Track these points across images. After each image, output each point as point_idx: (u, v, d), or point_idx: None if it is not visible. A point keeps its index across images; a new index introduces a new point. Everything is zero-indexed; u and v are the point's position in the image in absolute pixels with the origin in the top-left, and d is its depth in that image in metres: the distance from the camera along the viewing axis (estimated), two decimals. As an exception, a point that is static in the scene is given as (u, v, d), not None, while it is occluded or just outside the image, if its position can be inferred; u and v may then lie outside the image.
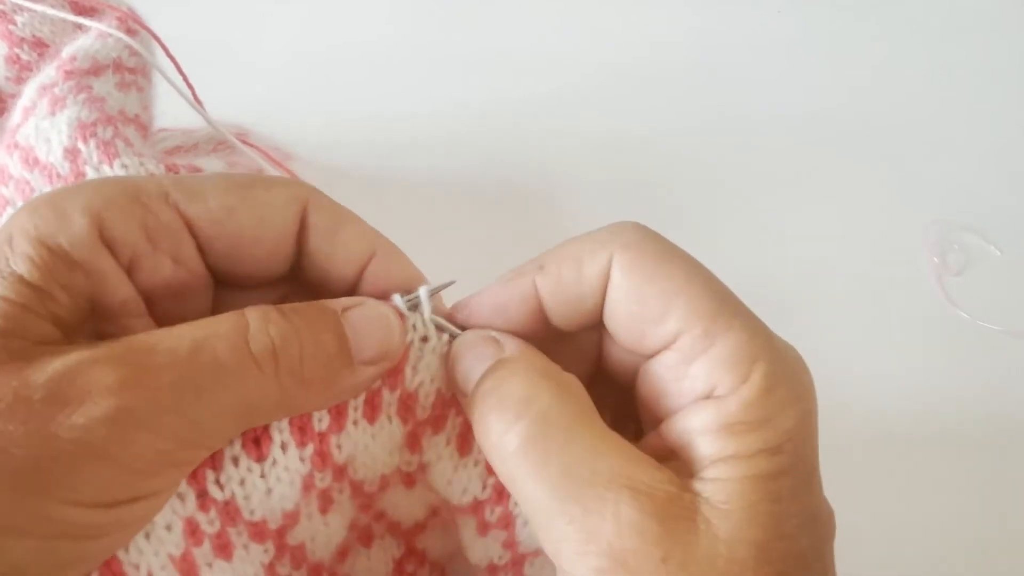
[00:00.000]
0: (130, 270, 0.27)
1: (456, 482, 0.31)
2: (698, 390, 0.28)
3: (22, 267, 0.25)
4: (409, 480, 0.32)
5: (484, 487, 0.31)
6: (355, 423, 0.29)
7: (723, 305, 0.28)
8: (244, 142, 0.41)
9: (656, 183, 0.68)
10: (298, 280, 0.31)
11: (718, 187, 0.69)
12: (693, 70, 0.77)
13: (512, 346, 0.30)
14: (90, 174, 0.34)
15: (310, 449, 0.29)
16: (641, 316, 0.29)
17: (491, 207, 0.67)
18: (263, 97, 0.68)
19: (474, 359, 0.30)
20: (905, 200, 0.69)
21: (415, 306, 0.30)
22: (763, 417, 0.27)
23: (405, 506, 0.34)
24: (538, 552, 0.32)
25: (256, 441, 0.28)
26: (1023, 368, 0.61)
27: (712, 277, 0.29)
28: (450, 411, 0.31)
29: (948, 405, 0.59)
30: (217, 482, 0.28)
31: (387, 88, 0.74)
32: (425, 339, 0.30)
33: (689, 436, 0.28)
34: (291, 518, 0.30)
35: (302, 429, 0.29)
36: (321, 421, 0.29)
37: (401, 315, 0.30)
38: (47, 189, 0.34)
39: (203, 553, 0.28)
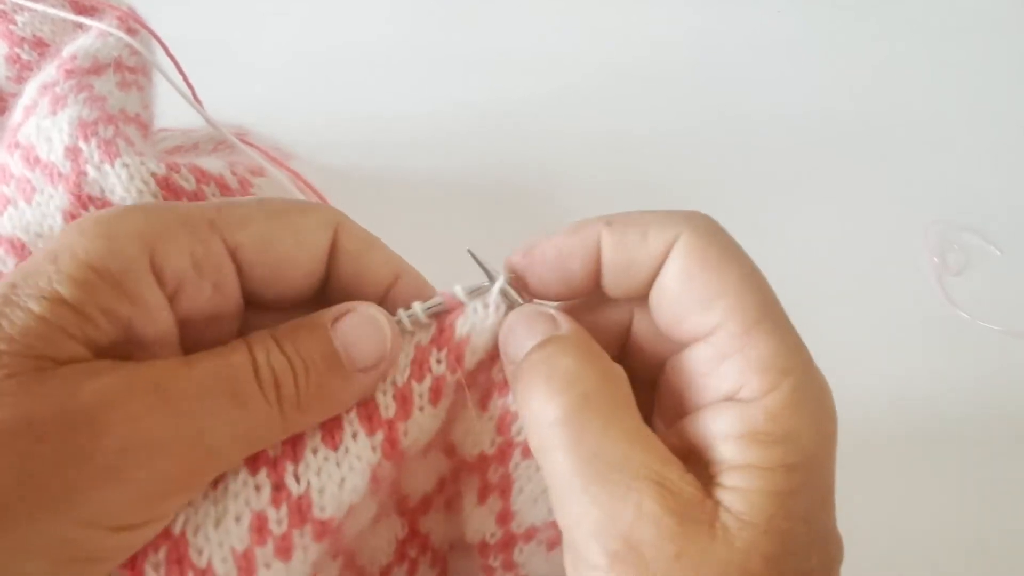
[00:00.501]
0: (172, 297, 0.28)
1: (471, 432, 0.32)
2: (724, 388, 0.28)
3: (65, 288, 0.25)
4: (428, 445, 0.33)
5: (492, 443, 0.32)
6: (421, 409, 0.30)
7: (768, 312, 0.29)
8: (244, 142, 0.41)
9: (656, 183, 0.68)
10: (324, 302, 0.32)
11: (718, 187, 0.69)
12: (693, 70, 0.77)
13: (567, 325, 0.30)
14: (91, 173, 0.34)
15: (379, 437, 0.30)
16: (689, 298, 0.29)
17: (491, 207, 0.67)
18: (263, 97, 0.68)
19: (528, 331, 0.30)
20: (905, 200, 0.69)
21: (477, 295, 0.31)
22: (786, 431, 0.27)
23: (420, 475, 0.34)
24: (529, 536, 0.33)
25: (331, 432, 0.29)
26: (1023, 368, 0.61)
27: (766, 286, 0.30)
28: (484, 372, 0.32)
29: (948, 405, 0.59)
30: (295, 475, 0.29)
31: (387, 88, 0.74)
32: (487, 319, 0.31)
33: (711, 438, 0.28)
34: (351, 511, 0.31)
35: (370, 418, 0.30)
36: (388, 409, 0.30)
37: (443, 307, 0.31)
38: (48, 188, 0.34)
39: (264, 553, 0.28)
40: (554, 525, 0.32)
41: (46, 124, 0.35)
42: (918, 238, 0.67)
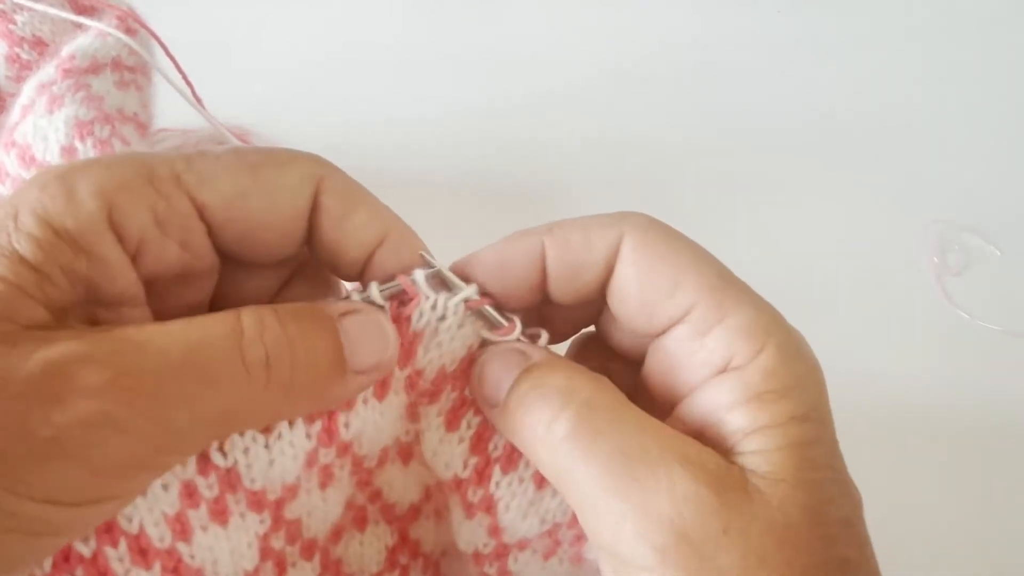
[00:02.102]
0: (135, 256, 0.26)
1: (440, 454, 0.31)
2: (716, 361, 0.28)
3: (24, 246, 0.24)
4: (406, 454, 0.32)
5: (465, 467, 0.31)
6: (364, 401, 0.29)
7: (730, 282, 0.29)
8: (244, 142, 0.41)
9: (656, 183, 0.68)
10: (306, 257, 0.31)
11: (718, 187, 0.69)
12: (693, 70, 0.77)
13: (539, 353, 0.30)
14: (87, 172, 0.34)
15: (318, 426, 0.29)
16: (653, 290, 0.29)
17: (491, 207, 0.67)
18: (263, 97, 0.68)
19: (502, 370, 0.30)
20: (905, 200, 0.69)
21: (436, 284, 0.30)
22: (787, 386, 0.27)
23: (401, 485, 0.34)
24: (523, 546, 0.32)
25: None
26: (1023, 368, 0.61)
27: (716, 259, 0.30)
28: (446, 385, 0.31)
29: (947, 404, 0.59)
30: (220, 449, 0.28)
31: (387, 88, 0.74)
32: (443, 318, 0.30)
33: (717, 413, 0.28)
34: (290, 491, 0.30)
35: None
36: None
37: (411, 298, 0.29)
38: None
39: (198, 516, 0.28)
40: (548, 535, 0.32)
41: (43, 123, 0.35)
42: (918, 238, 0.67)
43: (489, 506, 0.31)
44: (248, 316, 0.26)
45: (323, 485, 0.31)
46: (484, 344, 0.31)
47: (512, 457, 0.31)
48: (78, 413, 0.22)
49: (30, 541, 0.23)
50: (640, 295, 0.29)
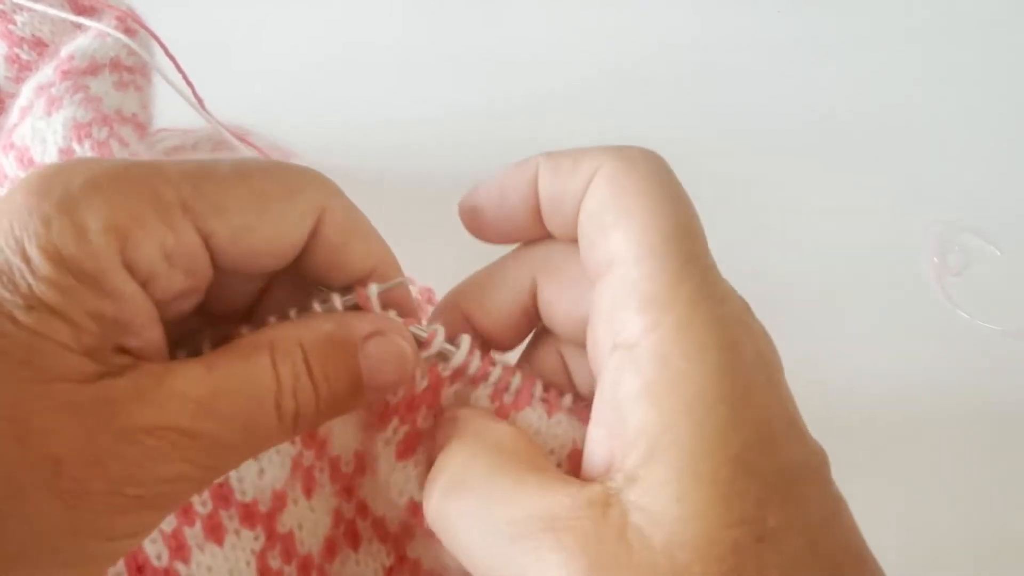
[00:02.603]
0: (144, 286, 0.26)
1: (393, 483, 0.31)
2: (615, 327, 0.26)
3: (49, 295, 0.23)
4: (366, 460, 0.33)
5: (420, 487, 0.31)
6: None
7: (667, 239, 0.26)
8: (244, 142, 0.41)
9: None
10: (295, 270, 0.31)
11: (717, 187, 0.69)
12: (692, 70, 0.77)
13: (461, 419, 0.29)
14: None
15: None
16: (597, 227, 0.28)
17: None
18: (263, 97, 0.68)
19: (439, 443, 0.30)
20: (905, 201, 0.69)
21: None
22: (681, 374, 0.24)
23: (383, 498, 0.34)
24: None
25: None
26: (1023, 368, 0.61)
27: (680, 208, 0.27)
28: (392, 418, 0.31)
29: (947, 405, 0.59)
30: None
31: (387, 88, 0.74)
32: None
33: (619, 407, 0.26)
34: (279, 500, 0.31)
35: None
36: None
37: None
38: None
39: (194, 534, 0.29)
40: None
41: (41, 125, 0.35)
42: (918, 238, 0.67)
43: None
44: (284, 365, 0.27)
45: (308, 492, 0.32)
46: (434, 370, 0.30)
47: None
48: (155, 473, 0.24)
49: (86, 571, 0.25)
50: (587, 227, 0.28)
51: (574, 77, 0.75)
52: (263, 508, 0.30)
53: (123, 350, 0.26)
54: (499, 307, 0.32)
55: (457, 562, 0.33)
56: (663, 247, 0.26)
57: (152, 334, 0.27)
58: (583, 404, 0.31)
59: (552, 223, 0.30)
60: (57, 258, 0.23)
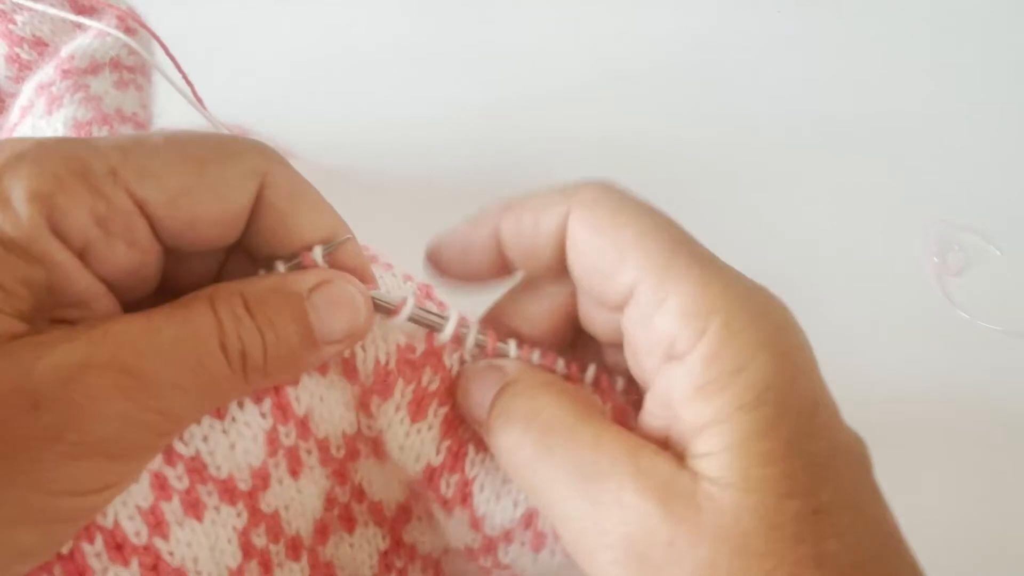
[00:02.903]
0: (82, 256, 0.26)
1: (408, 448, 0.31)
2: (661, 346, 0.27)
3: None
4: (380, 451, 0.32)
5: (438, 452, 0.31)
6: (308, 374, 0.30)
7: (677, 256, 0.28)
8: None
9: (655, 183, 0.68)
10: (244, 244, 0.30)
11: (717, 187, 0.69)
12: (693, 70, 0.77)
13: (512, 367, 0.31)
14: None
15: (268, 403, 0.29)
16: (598, 270, 0.29)
17: (491, 207, 0.67)
18: (263, 97, 0.68)
19: (481, 391, 0.30)
20: (905, 200, 0.69)
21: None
22: (731, 370, 0.26)
23: (382, 482, 0.34)
24: (508, 539, 0.32)
25: None
26: (1023, 368, 0.61)
27: (672, 229, 0.29)
28: (396, 380, 0.31)
29: (947, 405, 0.59)
30: (181, 439, 0.28)
31: (387, 88, 0.74)
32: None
33: (673, 408, 0.27)
34: (261, 479, 0.31)
35: None
36: None
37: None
38: None
39: (172, 509, 0.28)
40: (526, 524, 0.32)
41: (41, 124, 0.35)
42: (918, 238, 0.67)
43: (464, 494, 0.32)
44: (223, 309, 0.27)
45: (294, 473, 0.32)
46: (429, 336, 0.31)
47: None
48: (96, 415, 0.24)
49: (73, 526, 0.25)
50: (588, 276, 0.29)
51: (574, 77, 0.75)
52: (243, 486, 0.30)
53: (66, 320, 0.26)
54: (542, 317, 0.33)
55: (460, 543, 0.33)
56: (671, 264, 0.27)
57: (101, 307, 0.27)
58: (605, 374, 0.32)
59: (526, 270, 0.32)
60: None
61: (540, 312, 0.33)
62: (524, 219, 0.30)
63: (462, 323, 0.31)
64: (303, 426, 0.31)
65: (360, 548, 0.35)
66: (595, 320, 0.32)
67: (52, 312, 0.26)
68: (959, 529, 0.54)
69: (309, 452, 0.32)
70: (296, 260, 0.29)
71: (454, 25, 0.79)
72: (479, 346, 0.31)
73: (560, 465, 0.27)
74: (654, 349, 0.28)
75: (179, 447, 0.28)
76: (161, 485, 0.28)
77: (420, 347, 0.31)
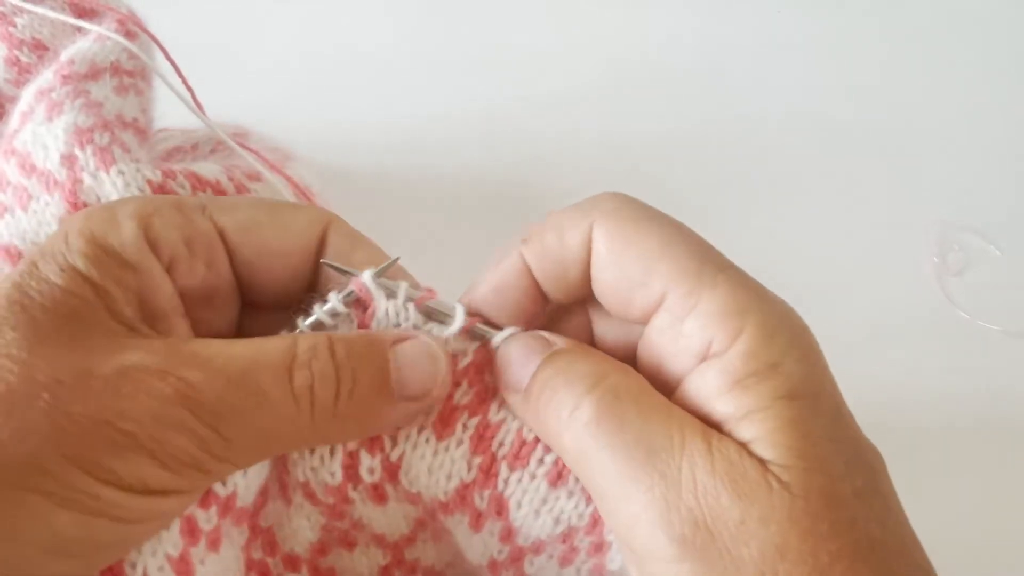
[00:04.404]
0: (169, 270, 0.29)
1: (437, 468, 0.31)
2: (695, 348, 0.28)
3: (80, 262, 0.27)
4: (379, 495, 0.32)
5: (469, 468, 0.31)
6: None
7: (705, 262, 0.28)
8: (242, 145, 0.41)
9: (655, 183, 0.68)
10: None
11: (717, 187, 0.69)
12: (693, 70, 0.77)
13: (562, 340, 0.30)
14: (87, 180, 0.34)
15: None
16: (626, 280, 0.29)
17: (492, 208, 0.67)
18: (263, 98, 0.68)
19: (525, 355, 0.30)
20: (906, 200, 0.69)
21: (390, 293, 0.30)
22: (768, 364, 0.27)
23: (382, 520, 0.33)
24: (538, 548, 0.32)
25: None
26: (1023, 368, 0.61)
27: (694, 237, 0.29)
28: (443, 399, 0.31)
29: (947, 405, 0.59)
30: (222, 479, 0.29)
31: (388, 89, 0.74)
32: (398, 326, 0.30)
33: (704, 403, 0.28)
34: (261, 495, 0.31)
35: None
36: None
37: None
38: (44, 196, 0.34)
39: (198, 552, 0.29)
40: (564, 540, 0.31)
41: (42, 131, 0.35)
42: (918, 238, 0.67)
43: (500, 507, 0.31)
44: (304, 341, 0.28)
45: (287, 502, 0.32)
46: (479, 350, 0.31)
47: (520, 454, 0.31)
48: (150, 413, 0.25)
49: (112, 527, 0.26)
50: (615, 285, 0.30)
51: (575, 77, 0.75)
52: (250, 507, 0.31)
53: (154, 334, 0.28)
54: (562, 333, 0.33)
55: (457, 557, 0.33)
56: (701, 270, 0.28)
57: (176, 324, 0.29)
58: None
59: (559, 295, 0.32)
60: (90, 237, 0.28)
61: (512, 297, 0.33)
62: (548, 239, 0.31)
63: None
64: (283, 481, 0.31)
65: (360, 563, 0.34)
66: (606, 341, 0.33)
67: (141, 323, 0.28)
68: (958, 529, 0.54)
69: (295, 489, 0.32)
70: (349, 290, 0.30)
71: (454, 25, 0.79)
72: None
73: (627, 433, 0.27)
74: (684, 353, 0.28)
75: (217, 488, 0.29)
76: (191, 531, 0.28)
77: (464, 360, 0.31)
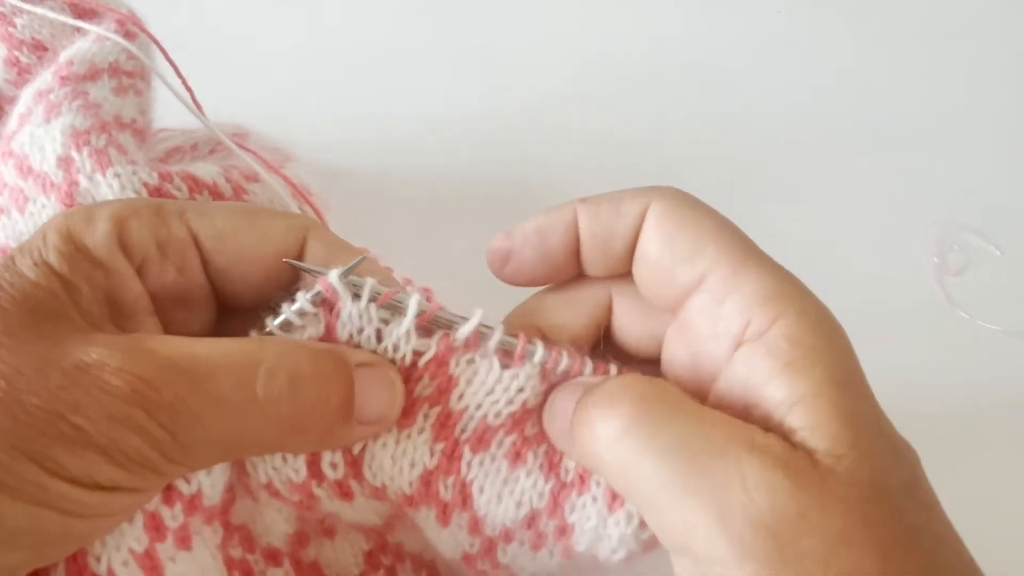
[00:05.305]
0: (139, 271, 0.30)
1: (400, 456, 0.31)
2: (734, 329, 0.28)
3: (53, 258, 0.28)
4: (344, 492, 0.32)
5: (432, 454, 0.31)
6: None
7: (750, 252, 0.29)
8: (241, 146, 0.41)
9: (656, 183, 0.68)
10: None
11: (717, 187, 0.68)
12: (693, 70, 0.77)
13: (591, 379, 0.30)
14: (83, 183, 0.34)
15: None
16: (672, 256, 0.30)
17: (492, 207, 0.66)
18: (263, 97, 0.68)
19: (567, 400, 0.30)
20: (905, 200, 0.69)
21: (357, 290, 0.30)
22: (816, 349, 0.27)
23: (354, 515, 0.33)
24: (507, 537, 0.32)
25: None
26: (1023, 368, 0.61)
27: (740, 231, 0.31)
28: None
29: (947, 405, 0.59)
30: (185, 477, 0.29)
31: (387, 88, 0.74)
32: (361, 330, 0.30)
33: (755, 390, 0.27)
34: (228, 491, 0.31)
35: None
36: None
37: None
38: (41, 198, 0.34)
39: (166, 548, 0.29)
40: (528, 525, 0.31)
41: (39, 133, 0.35)
42: (918, 238, 0.67)
43: (464, 495, 0.31)
44: (272, 348, 0.28)
45: (254, 499, 0.32)
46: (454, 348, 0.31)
47: (483, 438, 0.31)
48: (103, 410, 0.25)
49: (62, 520, 0.26)
50: (660, 260, 0.30)
51: (574, 77, 0.75)
52: (218, 504, 0.31)
53: (121, 330, 0.28)
54: (573, 323, 0.33)
55: (456, 552, 0.33)
56: (745, 257, 0.29)
57: (144, 322, 0.29)
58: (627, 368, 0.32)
59: (594, 262, 0.32)
60: (66, 235, 0.29)
61: (568, 320, 0.33)
62: (603, 207, 0.31)
63: (483, 324, 0.31)
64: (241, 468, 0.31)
65: (343, 550, 0.35)
66: (631, 329, 0.33)
67: (114, 320, 0.29)
68: (959, 529, 0.54)
69: (259, 490, 0.32)
70: (316, 290, 0.30)
71: (454, 25, 0.79)
72: (504, 348, 0.31)
73: (664, 439, 0.26)
74: (723, 333, 0.29)
75: (181, 486, 0.29)
76: (156, 527, 0.28)
77: (427, 355, 0.31)
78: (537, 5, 0.81)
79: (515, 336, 0.31)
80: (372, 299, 0.30)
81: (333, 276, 0.29)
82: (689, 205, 0.31)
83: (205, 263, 0.31)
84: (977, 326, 0.63)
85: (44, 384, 0.25)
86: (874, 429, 0.27)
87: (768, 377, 0.27)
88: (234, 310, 0.32)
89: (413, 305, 0.30)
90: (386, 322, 0.30)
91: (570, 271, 0.33)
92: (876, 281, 0.65)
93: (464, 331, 0.30)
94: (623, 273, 0.32)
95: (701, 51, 0.79)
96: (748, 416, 0.28)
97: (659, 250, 0.30)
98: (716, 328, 0.29)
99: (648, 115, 0.73)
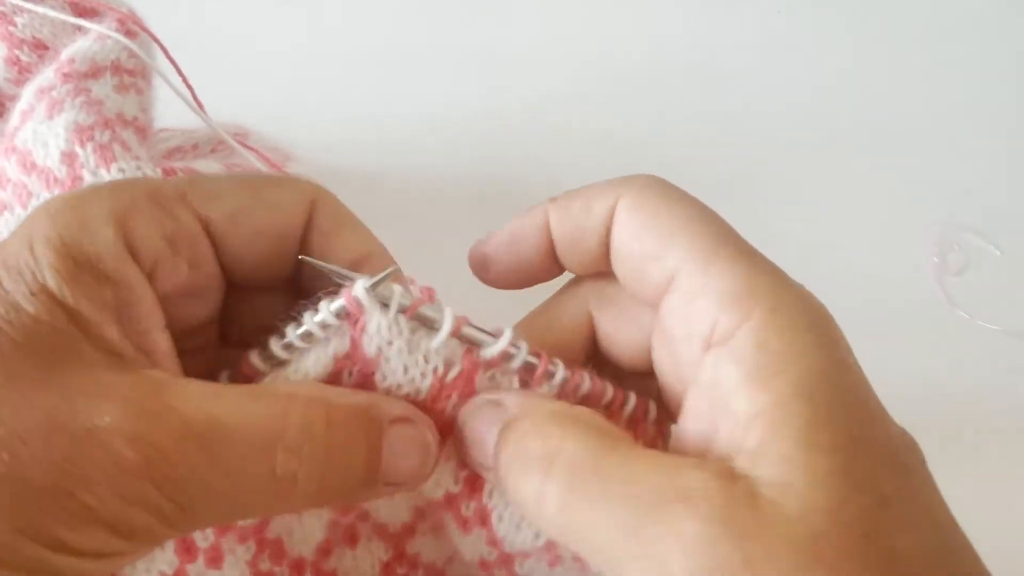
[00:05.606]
0: (150, 276, 0.27)
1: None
2: (701, 331, 0.26)
3: (51, 282, 0.24)
4: None
5: (456, 480, 0.30)
6: None
7: (723, 244, 0.27)
8: (242, 144, 0.41)
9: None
10: (297, 279, 0.31)
11: (717, 187, 0.68)
12: (693, 70, 0.77)
13: (513, 402, 0.28)
14: (87, 178, 0.34)
15: None
16: (642, 254, 0.28)
17: (492, 207, 0.66)
18: (263, 97, 0.68)
19: (481, 431, 0.28)
20: (906, 200, 0.69)
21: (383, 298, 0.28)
22: (783, 356, 0.25)
23: (387, 507, 0.33)
24: (527, 553, 0.32)
25: None
26: (1023, 368, 0.61)
27: (719, 220, 0.29)
28: (432, 408, 0.30)
29: (947, 404, 0.59)
30: None
31: (387, 88, 0.74)
32: (391, 343, 0.28)
33: (722, 398, 0.25)
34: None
35: None
36: None
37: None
38: (45, 193, 0.34)
39: (196, 568, 0.28)
40: (547, 550, 0.31)
41: (42, 129, 0.35)
42: (918, 238, 0.67)
43: (483, 518, 0.31)
44: (296, 413, 0.26)
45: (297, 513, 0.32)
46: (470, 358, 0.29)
47: None
48: (115, 486, 0.23)
49: None
50: (631, 258, 0.29)
51: (574, 77, 0.75)
52: (254, 523, 0.30)
53: (125, 335, 0.25)
54: (561, 341, 0.32)
55: (475, 556, 0.33)
56: (718, 250, 0.27)
57: (158, 340, 0.26)
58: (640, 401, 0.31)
59: (570, 261, 0.31)
60: (60, 247, 0.24)
61: (560, 337, 0.32)
62: (574, 205, 0.30)
63: (513, 342, 0.29)
64: None
65: (363, 559, 0.34)
66: (618, 339, 0.32)
67: (125, 338, 0.25)
68: (959, 529, 0.54)
69: None
70: (340, 303, 0.27)
71: (454, 25, 0.79)
72: (527, 368, 0.29)
73: (598, 511, 0.24)
74: (693, 336, 0.27)
75: None
76: (187, 549, 0.28)
77: (454, 370, 0.29)
78: (537, 5, 0.81)
79: (537, 355, 0.29)
80: (401, 310, 0.28)
81: (359, 289, 0.27)
82: (660, 196, 0.29)
83: (217, 249, 0.28)
84: (977, 326, 0.63)
85: (49, 456, 0.22)
86: (840, 444, 0.24)
87: (733, 388, 0.25)
88: (240, 288, 0.30)
89: (448, 319, 0.28)
90: (411, 331, 0.29)
91: (552, 271, 0.32)
92: (876, 281, 0.65)
93: (494, 350, 0.29)
94: (606, 271, 0.31)
95: (701, 51, 0.79)
96: (715, 434, 0.26)
97: (630, 247, 0.29)
98: (688, 330, 0.27)
99: (648, 115, 0.73)
